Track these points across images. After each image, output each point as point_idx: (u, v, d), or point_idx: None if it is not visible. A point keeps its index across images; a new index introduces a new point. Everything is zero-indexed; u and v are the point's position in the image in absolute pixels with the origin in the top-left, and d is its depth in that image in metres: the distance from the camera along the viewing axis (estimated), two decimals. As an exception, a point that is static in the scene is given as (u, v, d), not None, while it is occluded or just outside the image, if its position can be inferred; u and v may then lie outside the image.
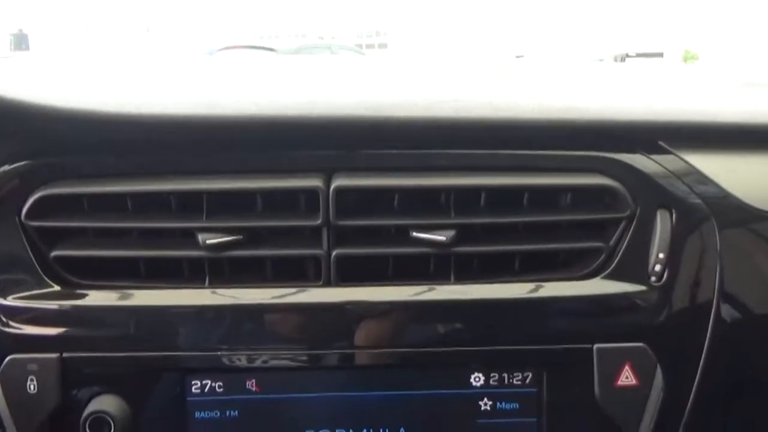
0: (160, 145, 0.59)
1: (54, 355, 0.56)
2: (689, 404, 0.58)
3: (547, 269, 0.60)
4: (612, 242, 0.58)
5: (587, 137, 0.60)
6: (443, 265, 0.59)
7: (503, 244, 0.59)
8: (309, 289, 0.58)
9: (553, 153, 0.60)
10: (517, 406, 0.58)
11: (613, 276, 0.58)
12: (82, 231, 0.59)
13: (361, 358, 0.57)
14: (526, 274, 0.59)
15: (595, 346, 0.56)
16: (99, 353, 0.56)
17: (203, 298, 0.57)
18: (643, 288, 0.57)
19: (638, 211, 0.58)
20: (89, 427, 0.54)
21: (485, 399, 0.58)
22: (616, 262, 0.58)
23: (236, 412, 0.58)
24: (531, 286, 0.58)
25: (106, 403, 0.55)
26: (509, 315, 0.57)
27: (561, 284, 0.58)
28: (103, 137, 0.59)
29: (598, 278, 0.58)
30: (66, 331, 0.56)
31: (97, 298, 0.57)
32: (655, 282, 0.57)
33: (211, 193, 0.58)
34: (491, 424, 0.58)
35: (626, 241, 0.58)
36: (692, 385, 0.58)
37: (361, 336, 0.56)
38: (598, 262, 0.58)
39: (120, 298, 0.57)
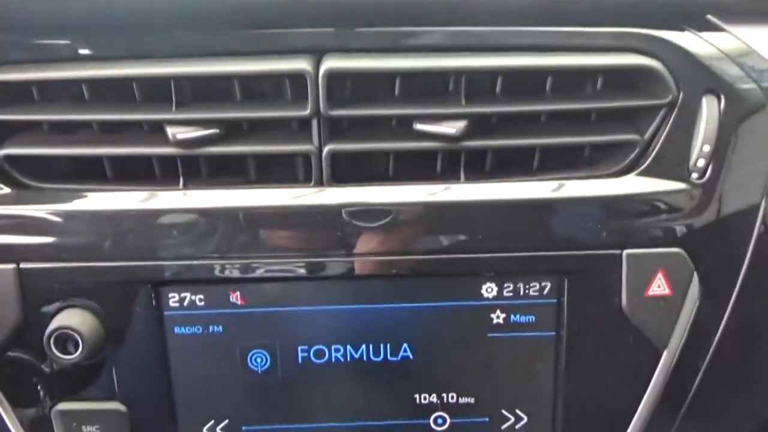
0: (121, 22, 0.49)
1: (10, 266, 0.48)
2: (726, 317, 0.51)
3: (569, 168, 0.52)
4: (648, 134, 0.49)
5: (622, 10, 0.50)
6: (452, 163, 0.51)
7: (521, 137, 0.50)
8: (299, 190, 0.50)
9: (581, 29, 0.49)
10: (534, 318, 0.51)
11: (649, 172, 0.49)
12: (35, 126, 0.50)
13: (359, 266, 0.49)
14: (546, 174, 0.51)
15: (625, 251, 0.49)
16: (61, 264, 0.48)
17: (177, 200, 0.49)
18: (682, 186, 0.49)
19: (681, 96, 0.48)
20: (54, 344, 0.48)
21: (498, 311, 0.51)
22: (652, 156, 0.49)
23: (220, 327, 0.51)
24: (553, 184, 0.49)
25: (72, 319, 0.48)
26: (527, 217, 0.49)
27: (588, 182, 0.49)
28: (55, 13, 0.49)
29: (631, 175, 0.49)
30: (22, 239, 0.48)
31: (55, 201, 0.49)
32: (697, 179, 0.49)
33: (181, 79, 0.48)
34: (504, 338, 0.52)
35: (665, 133, 0.49)
36: (731, 297, 0.50)
37: (358, 242, 0.48)
38: (630, 158, 0.50)
39: (82, 202, 0.49)
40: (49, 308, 0.49)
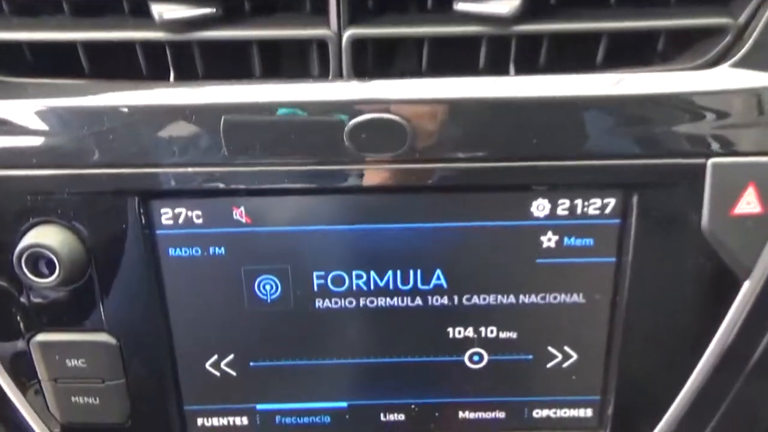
0: None
1: None
2: None
3: (641, 62, 0.42)
4: (743, 18, 0.39)
5: None
6: (499, 54, 0.41)
7: (585, 20, 0.40)
8: (314, 83, 0.41)
9: None
10: (592, 242, 0.43)
11: (744, 63, 0.39)
12: (-6, 7, 0.41)
13: (385, 177, 0.40)
14: (612, 68, 0.41)
15: (711, 160, 0.39)
16: (31, 171, 0.40)
17: (168, 95, 0.40)
18: (787, 79, 0.39)
19: None
20: (25, 265, 0.40)
21: (549, 233, 0.43)
22: (748, 45, 0.39)
23: (222, 249, 0.43)
24: (622, 78, 0.40)
25: (47, 236, 0.40)
26: (590, 118, 0.39)
27: (667, 75, 0.40)
28: None
29: (723, 66, 0.39)
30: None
31: (22, 96, 0.40)
32: (805, 71, 0.39)
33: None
34: (555, 265, 0.43)
35: (766, 15, 0.39)
36: None
37: (383, 147, 0.39)
38: (719, 48, 0.40)
39: (55, 97, 0.40)
40: (19, 224, 0.41)
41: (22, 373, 0.45)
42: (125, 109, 0.39)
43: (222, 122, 0.39)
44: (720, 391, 0.47)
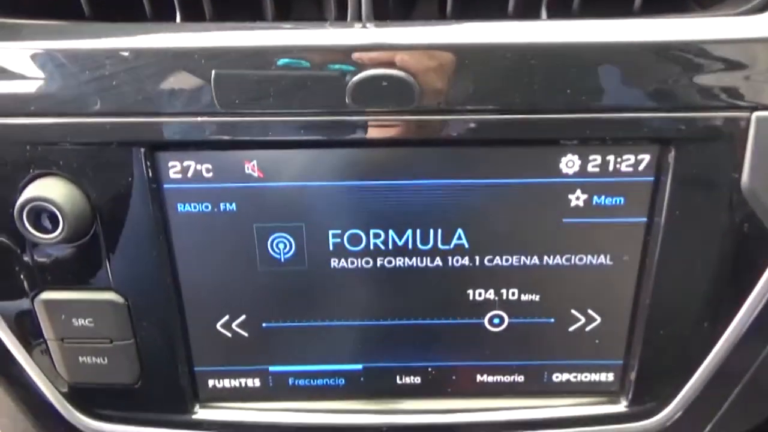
0: None
1: None
2: None
3: (680, 9, 0.39)
4: None
5: None
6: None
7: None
8: (328, 28, 0.37)
9: None
10: (623, 200, 0.40)
11: (794, 9, 0.36)
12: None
13: (405, 129, 0.38)
14: (650, 14, 0.38)
15: (755, 114, 0.37)
16: (31, 119, 0.37)
17: (174, 38, 0.37)
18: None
19: None
20: (27, 220, 0.38)
21: (578, 191, 0.40)
22: (798, -11, 0.36)
23: (233, 205, 0.41)
24: (659, 23, 0.37)
25: (49, 189, 0.38)
26: (625, 66, 0.36)
27: (706, 21, 0.37)
28: None
29: (769, 13, 0.37)
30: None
31: (19, 37, 0.37)
32: None
33: None
34: (583, 224, 0.41)
35: None
36: None
37: (401, 98, 0.37)
38: None
39: (55, 38, 0.37)
40: (20, 176, 0.38)
41: (28, 332, 0.43)
42: (128, 53, 0.36)
43: (231, 68, 0.36)
44: (746, 360, 0.45)
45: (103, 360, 0.44)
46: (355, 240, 0.42)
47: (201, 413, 0.47)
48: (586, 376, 0.47)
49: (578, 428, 0.46)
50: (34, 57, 0.37)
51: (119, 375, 0.44)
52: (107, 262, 0.41)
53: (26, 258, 0.41)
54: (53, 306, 0.42)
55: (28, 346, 0.44)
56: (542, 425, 0.46)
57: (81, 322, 0.42)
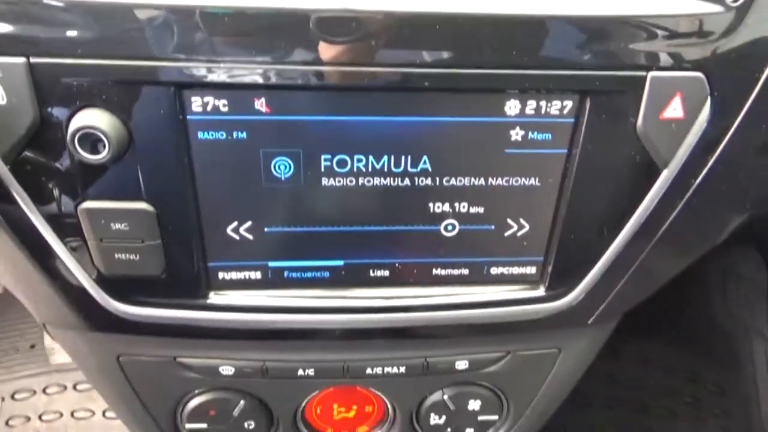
0: None
1: (20, 60, 0.44)
2: (724, 143, 0.52)
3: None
4: None
5: None
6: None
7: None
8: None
9: None
10: (550, 136, 0.52)
11: (685, -8, 0.47)
12: None
13: (384, 77, 0.47)
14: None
15: (651, 73, 0.48)
16: (75, 60, 0.44)
17: (197, -3, 0.44)
18: (717, 8, 0.47)
19: None
20: (79, 144, 0.46)
21: (518, 128, 0.51)
22: (691, -24, 0.47)
23: (244, 133, 0.50)
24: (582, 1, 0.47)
25: (95, 118, 0.45)
26: (558, 34, 0.46)
27: (614, 1, 0.47)
28: None
29: (668, -6, 0.47)
30: (30, 30, 0.43)
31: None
32: (732, 1, 0.47)
33: None
34: (519, 154, 0.53)
35: None
36: (733, 124, 0.52)
37: (385, 50, 0.45)
38: None
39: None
40: (67, 107, 0.46)
41: (71, 235, 0.52)
42: (160, 9, 0.43)
43: (244, 24, 0.44)
44: (632, 258, 0.59)
45: (135, 256, 0.53)
46: (342, 163, 0.52)
47: (213, 298, 0.57)
48: (515, 270, 0.60)
49: (508, 307, 0.60)
50: (81, 8, 0.43)
51: (148, 268, 0.54)
52: (140, 179, 0.50)
53: (73, 175, 0.49)
54: (94, 213, 0.51)
55: (70, 246, 0.53)
56: (481, 305, 0.60)
57: (117, 226, 0.51)
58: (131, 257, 0.53)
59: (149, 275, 0.55)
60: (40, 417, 1.69)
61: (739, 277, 1.83)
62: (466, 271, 0.59)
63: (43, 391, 1.73)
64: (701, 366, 1.82)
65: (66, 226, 0.52)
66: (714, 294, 1.85)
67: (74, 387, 1.74)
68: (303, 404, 0.71)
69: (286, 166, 0.52)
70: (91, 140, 0.46)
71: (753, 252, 1.82)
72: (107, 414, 1.69)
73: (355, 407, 0.73)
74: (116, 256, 0.53)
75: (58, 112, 0.46)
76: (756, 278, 1.82)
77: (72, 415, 1.70)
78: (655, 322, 1.86)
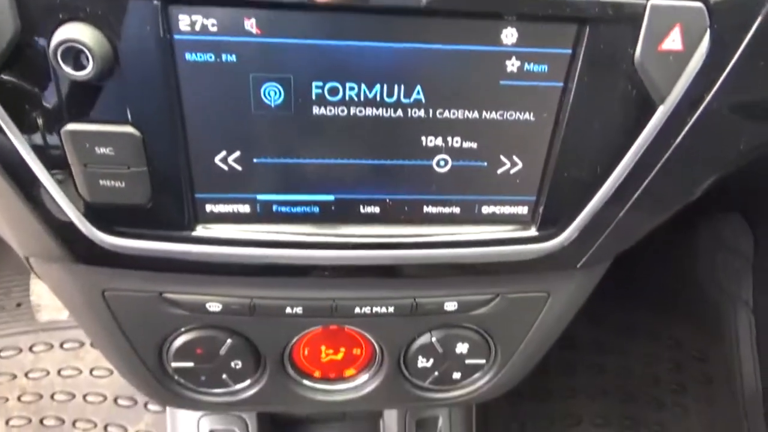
0: None
1: None
2: (723, 78, 0.52)
3: None
4: None
5: None
6: None
7: None
8: None
9: None
10: (546, 68, 0.51)
11: None
12: None
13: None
14: None
15: (650, 2, 0.47)
16: (58, -31, 0.43)
17: None
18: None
19: None
20: (62, 58, 0.44)
21: (513, 58, 0.50)
22: None
23: (233, 56, 0.48)
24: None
25: (78, 32, 0.44)
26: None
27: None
28: None
29: None
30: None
31: None
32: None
33: None
34: (514, 86, 0.51)
35: None
36: (732, 59, 0.51)
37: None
38: None
39: None
40: (50, 19, 0.44)
41: (54, 159, 0.50)
42: None
43: None
44: (624, 199, 0.58)
45: (121, 183, 0.52)
46: (333, 91, 0.51)
47: (200, 231, 0.57)
48: (507, 209, 0.59)
49: (498, 247, 0.60)
50: None
51: (133, 196, 0.53)
52: (125, 100, 0.48)
53: (55, 94, 0.47)
54: (78, 136, 0.49)
55: (54, 172, 0.52)
56: (471, 244, 0.59)
57: (102, 150, 0.50)
58: (116, 184, 0.52)
59: (135, 204, 0.54)
60: (26, 375, 1.69)
61: (727, 248, 1.85)
62: (457, 210, 0.59)
63: (30, 349, 1.73)
64: (685, 333, 1.85)
65: (50, 151, 0.50)
66: (701, 264, 1.87)
67: (61, 345, 1.74)
68: (290, 345, 0.71)
69: (276, 93, 0.51)
70: (74, 55, 0.44)
71: (741, 222, 1.84)
72: (94, 372, 1.69)
73: (342, 349, 0.73)
74: (101, 182, 0.52)
75: (41, 25, 0.44)
76: (743, 249, 1.85)
77: (59, 373, 1.70)
78: (640, 290, 1.89)
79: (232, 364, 0.70)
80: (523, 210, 0.60)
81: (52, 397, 1.65)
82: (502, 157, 0.56)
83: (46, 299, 1.75)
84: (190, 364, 0.70)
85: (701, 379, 1.79)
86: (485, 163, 0.56)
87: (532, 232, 0.60)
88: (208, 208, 0.56)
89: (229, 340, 0.68)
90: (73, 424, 1.62)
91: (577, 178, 0.57)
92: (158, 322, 0.66)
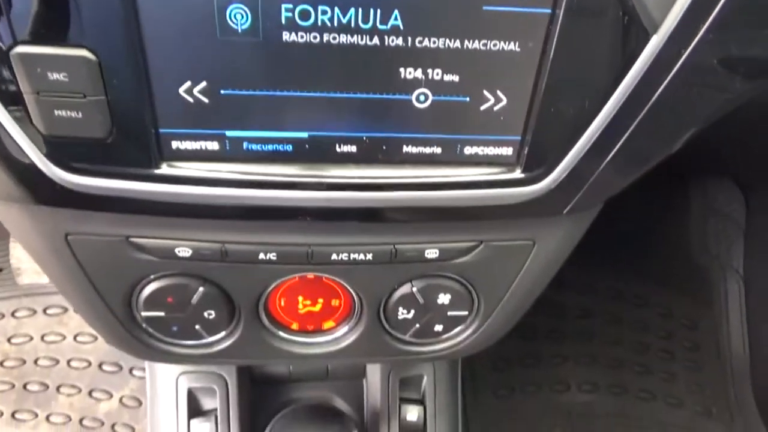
0: None
1: None
2: (719, 7, 0.49)
3: None
4: None
5: None
6: None
7: None
8: None
9: None
10: (534, -9, 0.48)
11: None
12: None
13: None
14: None
15: None
16: None
17: None
18: None
19: None
20: None
21: (497, -20, 0.47)
22: None
23: (195, -27, 0.45)
24: None
25: None
26: None
27: None
28: None
29: None
30: None
31: None
32: None
33: None
34: (498, 13, 0.48)
35: None
36: None
37: None
38: None
39: None
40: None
41: (5, 89, 0.47)
42: None
43: None
44: (614, 137, 0.56)
45: (78, 114, 0.49)
46: (304, 15, 0.48)
47: (165, 169, 0.53)
48: (491, 150, 0.57)
49: (482, 190, 0.57)
50: None
51: (92, 129, 0.50)
52: (79, 20, 0.45)
53: (4, 12, 0.44)
54: (29, 59, 0.46)
55: (8, 106, 0.48)
56: (453, 186, 0.57)
57: (56, 76, 0.47)
58: (73, 114, 0.49)
59: (95, 138, 0.50)
60: (9, 340, 1.67)
61: (719, 214, 1.84)
62: (438, 150, 0.56)
63: (12, 314, 1.71)
64: (675, 301, 1.85)
65: (1, 80, 0.47)
66: (693, 231, 1.86)
67: (44, 311, 1.72)
68: (266, 294, 0.69)
69: (242, 16, 0.47)
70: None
71: (733, 188, 1.83)
72: (78, 338, 1.68)
73: (321, 301, 0.71)
74: (56, 113, 0.49)
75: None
76: (735, 215, 1.84)
77: (42, 338, 1.68)
78: (631, 257, 1.88)
79: (205, 314, 0.68)
80: (507, 150, 0.57)
81: (35, 362, 1.63)
82: (485, 92, 0.53)
83: (26, 262, 1.72)
84: (161, 314, 0.67)
85: (689, 346, 1.80)
86: (468, 99, 0.53)
87: (518, 174, 0.57)
88: (174, 144, 0.53)
89: (201, 289, 0.66)
90: (57, 389, 1.60)
91: (565, 115, 0.54)
92: (126, 269, 0.63)
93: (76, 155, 0.52)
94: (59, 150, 0.52)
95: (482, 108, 0.54)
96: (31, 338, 1.67)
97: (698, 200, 1.85)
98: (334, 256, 0.63)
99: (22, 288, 1.73)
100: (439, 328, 0.73)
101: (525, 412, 1.65)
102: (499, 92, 0.53)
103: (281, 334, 0.75)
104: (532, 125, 0.54)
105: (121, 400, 1.59)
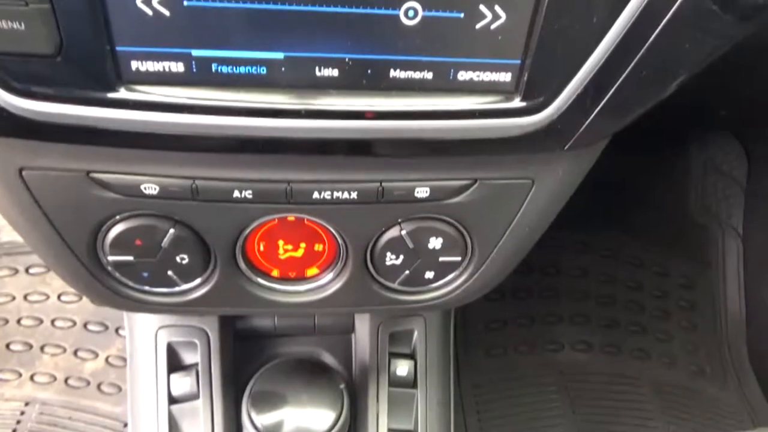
0: None
1: None
2: None
3: None
4: None
5: None
6: None
7: None
8: None
9: None
10: None
11: None
12: None
13: None
14: None
15: None
16: None
17: None
18: None
19: None
20: None
21: None
22: None
23: None
24: None
25: None
26: None
27: None
28: None
29: None
30: None
31: None
32: None
33: None
34: None
35: None
36: None
37: None
38: None
39: None
40: None
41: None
42: None
43: None
44: (622, 64, 0.50)
45: (20, 25, 0.43)
46: None
47: (124, 93, 0.48)
48: (487, 75, 0.51)
49: (478, 120, 0.52)
50: None
51: (37, 44, 0.44)
52: None
53: None
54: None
55: None
56: (446, 116, 0.52)
57: (7, 23, 0.41)
58: (15, 26, 0.43)
59: (43, 55, 0.45)
60: (-11, 300, 1.63)
61: (719, 172, 1.80)
62: (429, 75, 0.51)
63: (-8, 274, 1.67)
64: (672, 260, 1.82)
65: None
66: (691, 189, 1.82)
67: (26, 270, 1.68)
68: (243, 237, 0.64)
69: None
70: None
71: (735, 145, 1.78)
72: (62, 298, 1.64)
73: (303, 245, 0.67)
74: None
75: None
76: (735, 173, 1.80)
77: (25, 298, 1.65)
78: (628, 216, 1.84)
79: (178, 259, 0.63)
80: (506, 76, 0.52)
81: (18, 322, 1.60)
82: (482, 7, 0.47)
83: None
84: (130, 258, 0.63)
85: (685, 306, 1.78)
86: (462, 15, 0.48)
87: (516, 102, 0.52)
88: (134, 65, 0.48)
89: (171, 231, 0.61)
90: (42, 348, 1.57)
91: (571, 34, 0.48)
92: (88, 209, 0.58)
93: (22, 76, 0.46)
94: (3, 70, 0.46)
95: (478, 26, 0.48)
96: (14, 298, 1.63)
97: (698, 157, 1.80)
98: (315, 195, 0.58)
99: (2, 246, 1.69)
100: (430, 275, 0.69)
101: (518, 371, 1.63)
102: (497, 7, 0.48)
103: (261, 281, 0.70)
104: (533, 47, 0.49)
105: (107, 359, 1.56)
